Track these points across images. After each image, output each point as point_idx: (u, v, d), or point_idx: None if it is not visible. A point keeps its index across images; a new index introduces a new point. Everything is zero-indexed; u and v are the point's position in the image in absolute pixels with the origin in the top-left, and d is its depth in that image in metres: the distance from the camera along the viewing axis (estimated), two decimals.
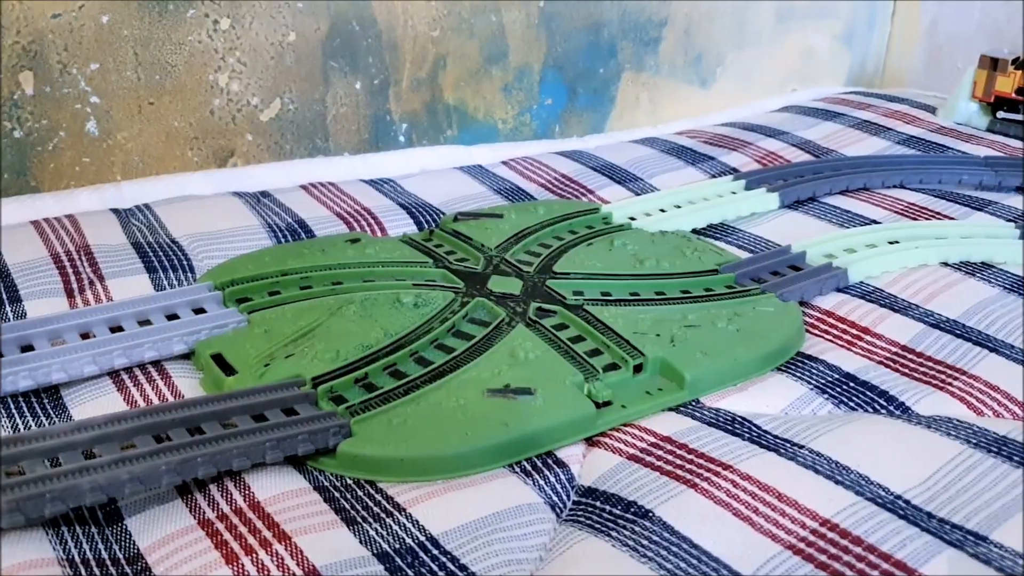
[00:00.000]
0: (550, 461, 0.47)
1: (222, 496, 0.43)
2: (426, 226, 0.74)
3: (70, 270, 0.63)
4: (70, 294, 0.60)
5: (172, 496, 0.44)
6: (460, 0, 0.95)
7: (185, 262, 0.65)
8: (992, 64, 0.99)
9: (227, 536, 0.41)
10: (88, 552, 0.41)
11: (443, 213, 0.75)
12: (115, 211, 0.72)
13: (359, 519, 0.43)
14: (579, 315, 0.57)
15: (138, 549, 0.41)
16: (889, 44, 1.38)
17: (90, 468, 0.41)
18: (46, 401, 0.50)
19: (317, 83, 0.89)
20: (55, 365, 0.50)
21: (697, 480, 0.45)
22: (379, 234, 0.72)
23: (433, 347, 0.54)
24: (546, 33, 1.02)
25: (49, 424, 0.48)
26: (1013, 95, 0.98)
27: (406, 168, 0.87)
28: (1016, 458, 0.46)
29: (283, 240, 0.69)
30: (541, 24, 1.01)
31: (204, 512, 0.43)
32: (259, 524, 0.42)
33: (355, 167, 0.87)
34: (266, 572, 0.39)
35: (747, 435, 0.49)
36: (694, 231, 0.73)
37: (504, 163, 0.88)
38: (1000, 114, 0.99)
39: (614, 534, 0.42)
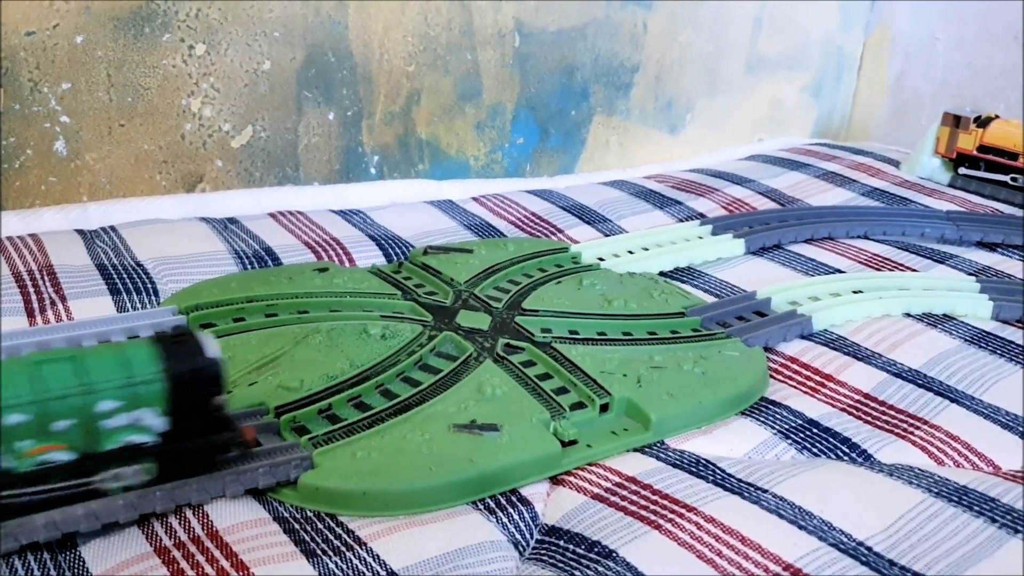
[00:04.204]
0: (514, 499, 0.47)
1: (180, 524, 0.43)
2: (395, 258, 0.73)
3: (31, 289, 0.62)
4: (31, 313, 0.59)
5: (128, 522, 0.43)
6: (436, 36, 0.95)
7: (149, 285, 0.64)
8: (955, 121, 1.01)
9: (184, 565, 0.40)
10: None
11: (412, 246, 0.75)
12: (80, 232, 0.71)
13: (319, 552, 0.42)
14: (547, 352, 0.57)
15: None
16: (855, 98, 1.40)
17: None
18: None
19: (290, 112, 0.89)
20: None
21: (661, 521, 0.45)
22: (347, 264, 0.71)
23: (399, 380, 0.54)
24: (520, 73, 1.03)
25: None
26: (974, 152, 1.00)
27: (376, 200, 0.87)
28: (976, 508, 0.47)
29: (250, 267, 0.69)
30: (516, 64, 1.02)
31: (161, 540, 0.42)
32: (217, 553, 0.41)
33: (325, 197, 0.86)
34: None
35: (711, 478, 0.49)
36: (661, 274, 0.74)
37: (475, 199, 0.88)
38: (962, 170, 1.01)
39: (577, 574, 0.42)
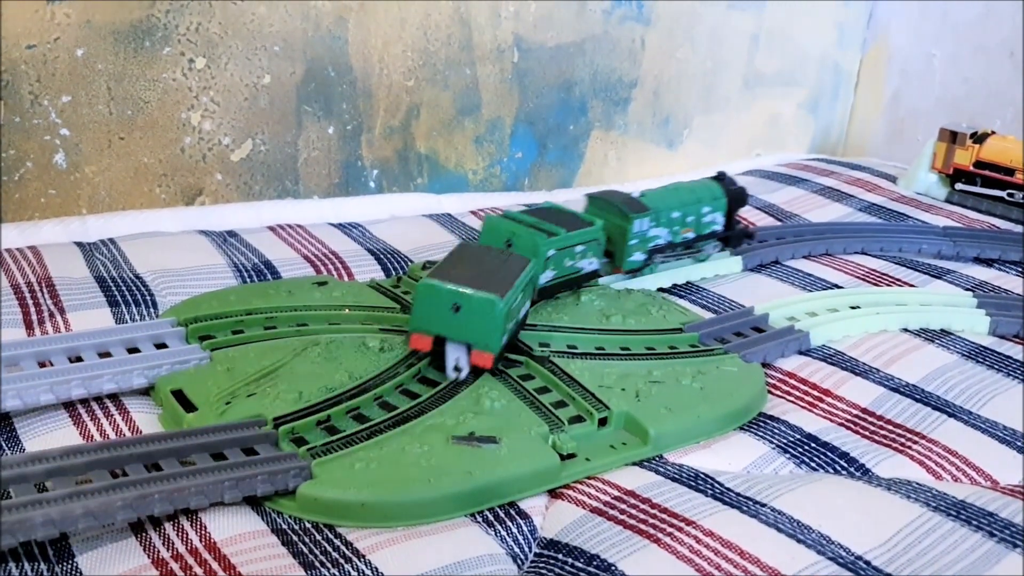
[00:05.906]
0: (513, 512, 0.47)
1: (177, 535, 0.42)
2: (394, 272, 0.73)
3: (30, 301, 0.62)
4: (29, 325, 0.59)
5: (126, 533, 0.43)
6: (436, 52, 0.96)
7: (148, 297, 0.64)
8: (951, 137, 1.02)
9: None
10: None
11: (411, 260, 0.75)
12: (79, 244, 0.71)
13: (317, 563, 0.42)
14: (545, 366, 0.57)
15: None
16: (852, 114, 1.41)
17: (43, 501, 0.40)
18: None
19: (290, 126, 0.89)
20: (10, 392, 0.49)
21: (660, 535, 0.45)
22: (346, 278, 0.71)
23: (398, 392, 0.54)
24: (519, 88, 1.03)
25: (1, 456, 0.47)
26: (971, 168, 1.00)
27: (375, 214, 0.87)
28: (974, 523, 0.47)
29: (249, 280, 0.69)
30: (514, 79, 1.03)
31: (158, 551, 0.42)
32: (215, 565, 0.41)
33: (324, 211, 0.87)
34: None
35: (710, 492, 0.49)
36: (660, 290, 0.74)
37: (473, 213, 0.88)
38: (958, 186, 1.01)
39: None
